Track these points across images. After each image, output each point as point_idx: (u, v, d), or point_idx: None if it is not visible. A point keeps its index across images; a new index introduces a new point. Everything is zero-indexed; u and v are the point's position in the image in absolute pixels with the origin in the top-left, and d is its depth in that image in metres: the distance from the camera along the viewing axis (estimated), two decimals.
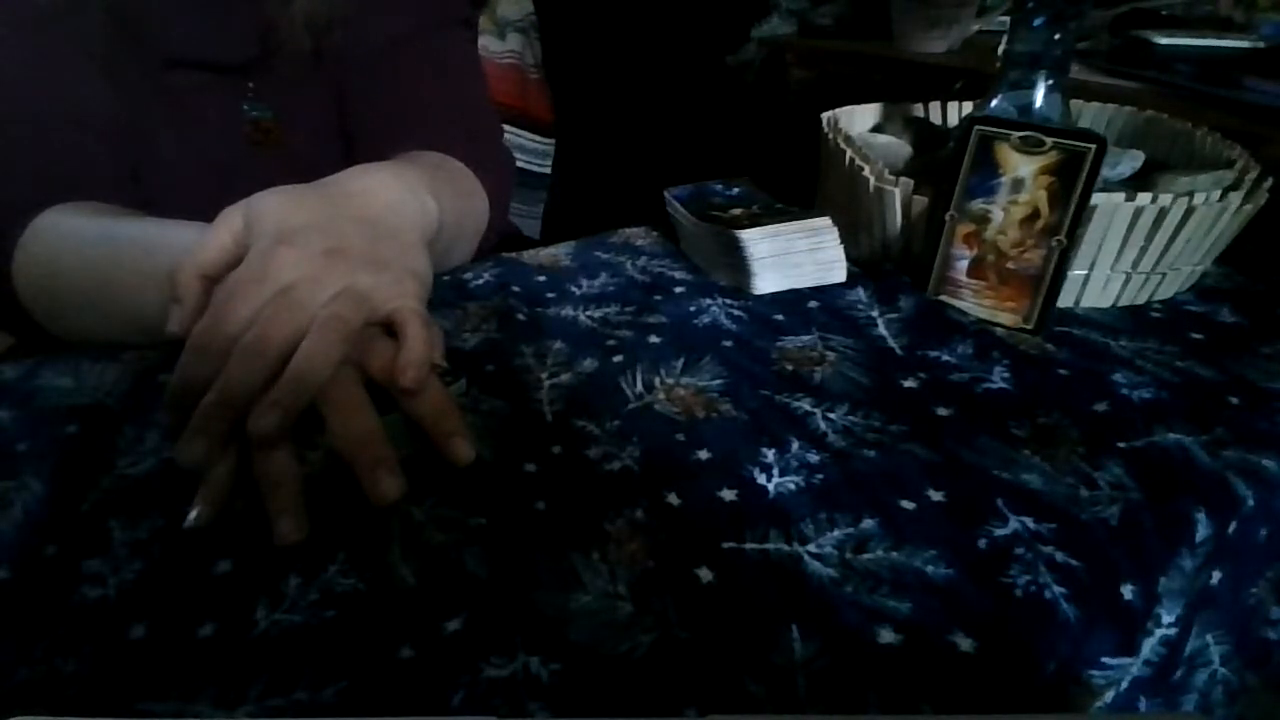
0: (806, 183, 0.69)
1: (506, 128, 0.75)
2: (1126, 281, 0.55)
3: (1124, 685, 0.32)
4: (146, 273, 0.44)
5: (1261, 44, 1.03)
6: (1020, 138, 0.49)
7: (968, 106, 0.71)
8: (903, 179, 0.56)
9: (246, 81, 0.60)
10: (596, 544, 0.35)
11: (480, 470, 0.39)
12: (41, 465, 0.39)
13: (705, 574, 0.33)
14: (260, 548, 0.34)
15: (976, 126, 0.50)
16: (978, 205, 0.51)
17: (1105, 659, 0.32)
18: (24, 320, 0.52)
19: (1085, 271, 0.54)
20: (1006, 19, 0.55)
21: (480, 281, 0.59)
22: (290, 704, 0.28)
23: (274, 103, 0.61)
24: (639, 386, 0.46)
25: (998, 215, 0.51)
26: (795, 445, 0.41)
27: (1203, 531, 0.37)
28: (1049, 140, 0.48)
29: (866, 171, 0.58)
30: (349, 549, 0.34)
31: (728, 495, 0.38)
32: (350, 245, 0.39)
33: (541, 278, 0.60)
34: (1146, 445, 0.42)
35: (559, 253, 0.65)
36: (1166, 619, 0.35)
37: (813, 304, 0.56)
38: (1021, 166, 0.49)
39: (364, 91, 0.63)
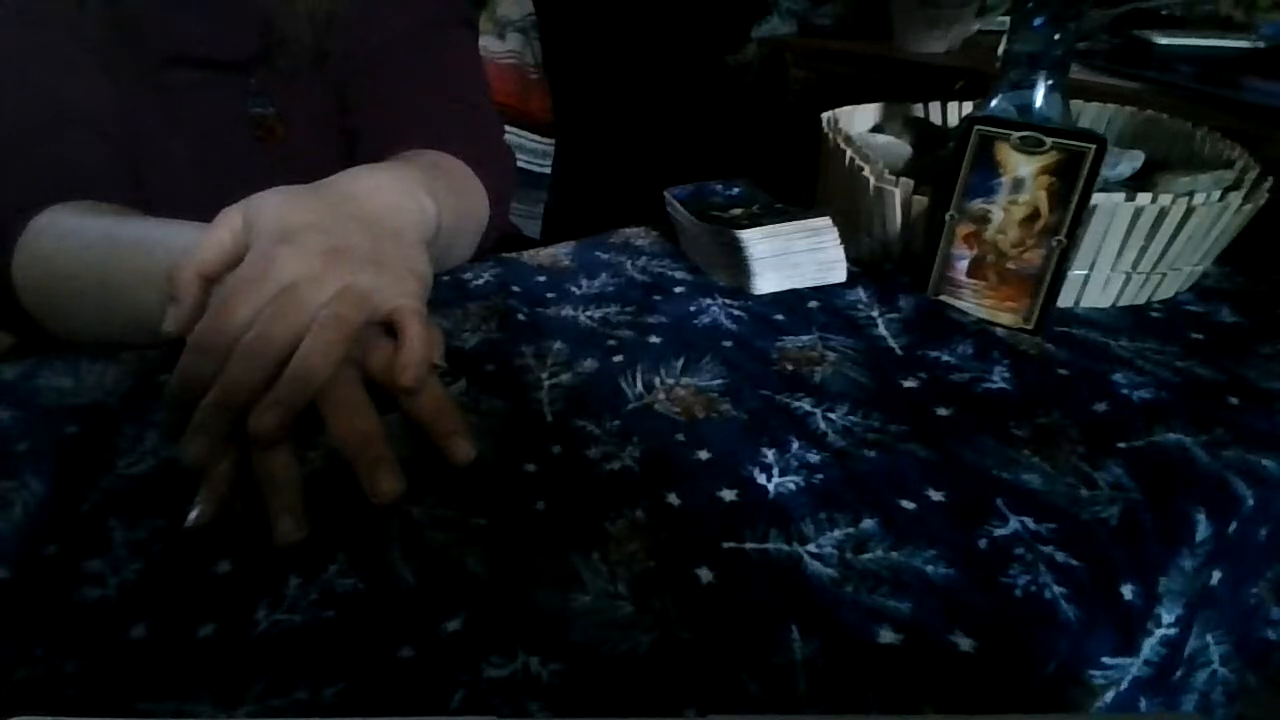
0: (806, 183, 0.69)
1: (506, 128, 0.75)
2: (1126, 281, 0.55)
3: (1124, 685, 0.32)
4: (145, 272, 0.44)
5: (1261, 44, 1.03)
6: (1020, 138, 0.49)
7: (968, 106, 0.71)
8: (903, 179, 0.56)
9: (248, 78, 0.60)
10: (596, 544, 0.35)
11: (480, 470, 0.39)
12: (41, 465, 0.39)
13: (705, 574, 0.33)
14: (260, 548, 0.34)
15: (976, 126, 0.50)
16: (978, 205, 0.51)
17: (1105, 659, 0.32)
18: (25, 320, 0.52)
19: (1085, 271, 0.54)
20: (1006, 19, 0.55)
21: (480, 281, 0.59)
22: (290, 704, 0.28)
23: (276, 99, 0.61)
24: (639, 386, 0.46)
25: (998, 215, 0.51)
26: (795, 445, 0.41)
27: (1203, 531, 0.37)
28: (1049, 140, 0.48)
29: (866, 171, 0.58)
30: (349, 549, 0.34)
31: (728, 495, 0.38)
32: (351, 245, 0.39)
33: (541, 278, 0.60)
34: (1146, 445, 0.42)
35: (559, 253, 0.65)
36: (1166, 619, 0.35)
37: (813, 304, 0.56)
38: (1021, 166, 0.49)
39: (364, 89, 0.63)
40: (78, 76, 0.53)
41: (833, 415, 0.44)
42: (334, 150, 0.63)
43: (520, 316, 0.54)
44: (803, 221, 0.55)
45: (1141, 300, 0.57)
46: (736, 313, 0.55)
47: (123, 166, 0.55)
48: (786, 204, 0.64)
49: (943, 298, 0.55)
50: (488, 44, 1.34)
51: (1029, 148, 0.49)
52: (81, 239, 0.49)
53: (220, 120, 0.59)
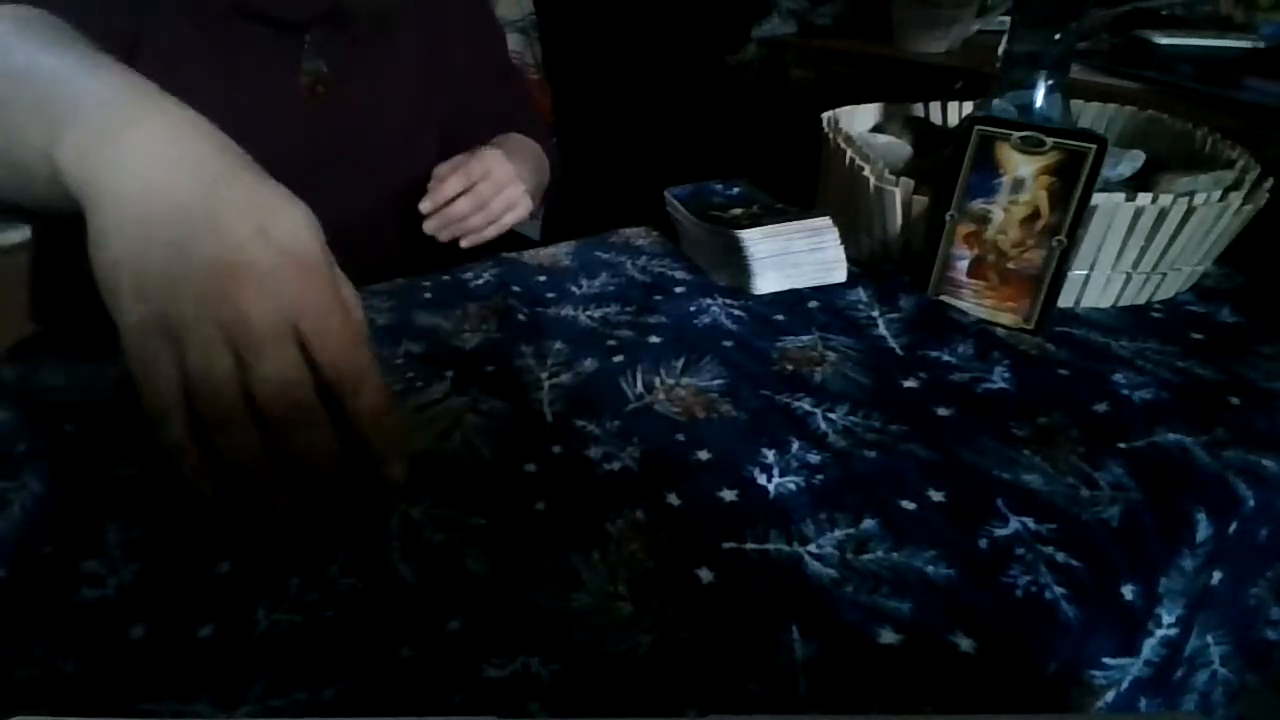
0: (806, 183, 0.69)
1: None
2: (1127, 281, 0.55)
3: (1124, 685, 0.32)
4: (33, 113, 0.35)
5: (1261, 44, 1.03)
6: (1020, 138, 0.49)
7: (968, 106, 0.71)
8: (903, 179, 0.56)
9: (305, 33, 0.61)
10: (596, 544, 0.35)
11: (480, 470, 0.39)
12: (40, 465, 0.39)
13: (705, 574, 0.33)
14: (260, 548, 0.34)
15: (977, 126, 0.50)
16: (978, 205, 0.51)
17: (1106, 659, 0.31)
18: (53, 307, 0.51)
19: (1085, 271, 0.54)
20: (1006, 19, 0.55)
21: (480, 281, 0.59)
22: (290, 704, 0.28)
23: (329, 56, 0.62)
24: (639, 386, 0.46)
25: (998, 215, 0.51)
26: (795, 445, 0.41)
27: (1203, 531, 0.37)
28: (1049, 140, 0.48)
29: (866, 171, 0.58)
30: (349, 549, 0.34)
31: (728, 495, 0.38)
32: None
33: (541, 278, 0.60)
34: (1147, 445, 0.42)
35: (559, 253, 0.65)
36: (1167, 619, 0.35)
37: (813, 304, 0.55)
38: (1022, 166, 0.49)
39: (456, 84, 0.71)
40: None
41: (833, 415, 0.44)
42: (380, 109, 0.66)
43: (520, 316, 0.54)
44: (803, 221, 0.55)
45: (1142, 300, 0.57)
46: (736, 313, 0.55)
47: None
48: (786, 204, 0.64)
49: (943, 298, 0.55)
50: None
51: (1029, 148, 0.49)
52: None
53: (272, 72, 0.60)
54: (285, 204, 0.33)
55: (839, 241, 0.56)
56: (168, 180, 0.32)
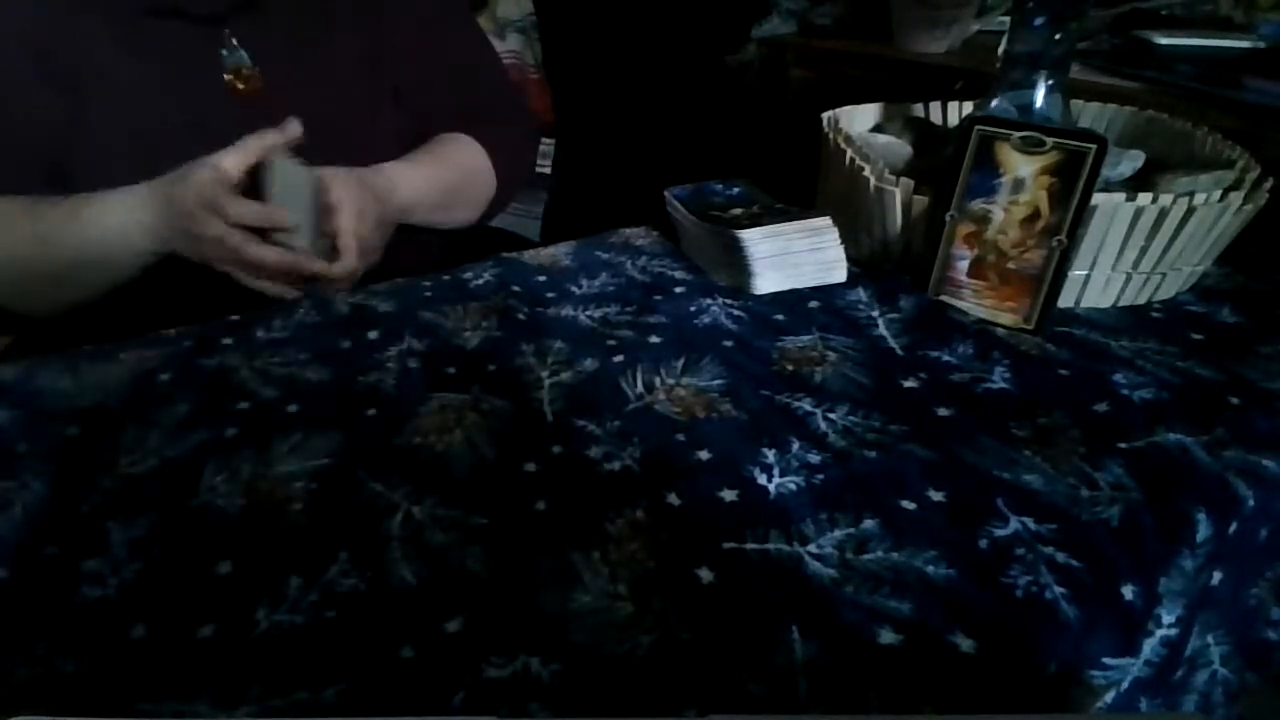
0: (806, 183, 0.69)
1: None
2: (1127, 281, 0.55)
3: (1125, 685, 0.32)
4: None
5: (1261, 44, 1.03)
6: (1020, 138, 0.49)
7: (968, 106, 0.71)
8: (903, 179, 0.56)
9: (224, 29, 0.60)
10: (596, 544, 0.35)
11: (480, 470, 0.39)
12: (42, 466, 0.39)
13: (705, 574, 0.33)
14: (260, 548, 0.34)
15: (977, 126, 0.50)
16: (978, 205, 0.51)
17: (1106, 659, 0.31)
18: (23, 318, 0.52)
19: (1085, 271, 0.54)
20: (1006, 19, 0.55)
21: (480, 281, 0.59)
22: (290, 704, 0.28)
23: (254, 51, 0.61)
24: (639, 386, 0.46)
25: (998, 215, 0.51)
26: (796, 445, 0.41)
27: (1203, 532, 0.37)
28: (1049, 140, 0.48)
29: (866, 171, 0.58)
30: (349, 549, 0.34)
31: (728, 495, 0.38)
32: None
33: (542, 277, 0.60)
34: (1147, 445, 0.42)
35: (559, 253, 0.65)
36: (1167, 619, 0.35)
37: (813, 304, 0.55)
38: (1022, 166, 0.49)
39: (402, 70, 0.68)
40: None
41: (833, 415, 0.44)
42: (314, 104, 0.62)
43: (521, 316, 0.54)
44: (803, 221, 0.55)
45: (1142, 300, 0.57)
46: (736, 313, 0.55)
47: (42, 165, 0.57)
48: (786, 204, 0.64)
49: (943, 298, 0.55)
50: None
51: (1029, 148, 0.49)
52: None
53: (193, 70, 0.59)
54: (176, 183, 0.54)
55: (839, 241, 0.56)
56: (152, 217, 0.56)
